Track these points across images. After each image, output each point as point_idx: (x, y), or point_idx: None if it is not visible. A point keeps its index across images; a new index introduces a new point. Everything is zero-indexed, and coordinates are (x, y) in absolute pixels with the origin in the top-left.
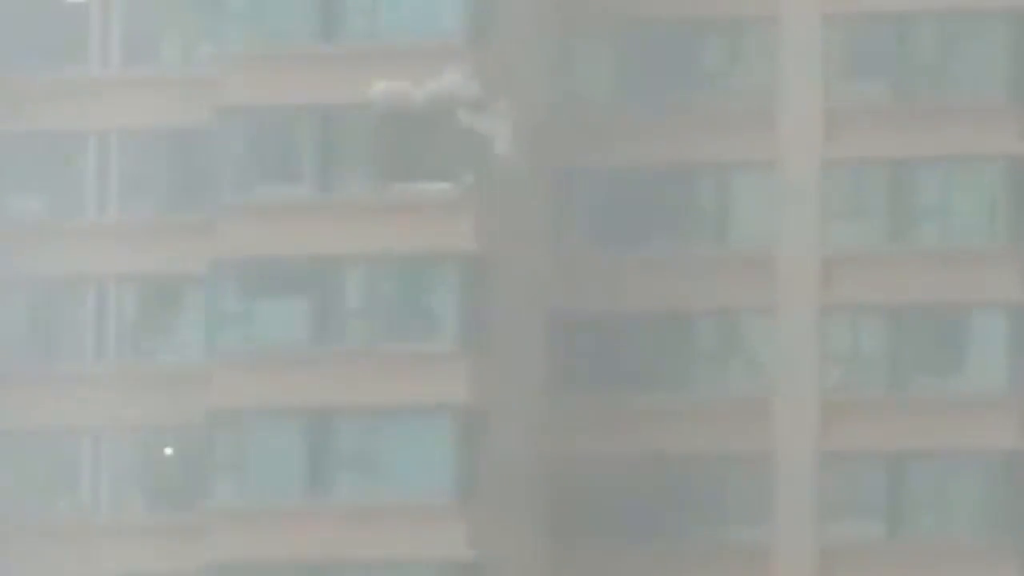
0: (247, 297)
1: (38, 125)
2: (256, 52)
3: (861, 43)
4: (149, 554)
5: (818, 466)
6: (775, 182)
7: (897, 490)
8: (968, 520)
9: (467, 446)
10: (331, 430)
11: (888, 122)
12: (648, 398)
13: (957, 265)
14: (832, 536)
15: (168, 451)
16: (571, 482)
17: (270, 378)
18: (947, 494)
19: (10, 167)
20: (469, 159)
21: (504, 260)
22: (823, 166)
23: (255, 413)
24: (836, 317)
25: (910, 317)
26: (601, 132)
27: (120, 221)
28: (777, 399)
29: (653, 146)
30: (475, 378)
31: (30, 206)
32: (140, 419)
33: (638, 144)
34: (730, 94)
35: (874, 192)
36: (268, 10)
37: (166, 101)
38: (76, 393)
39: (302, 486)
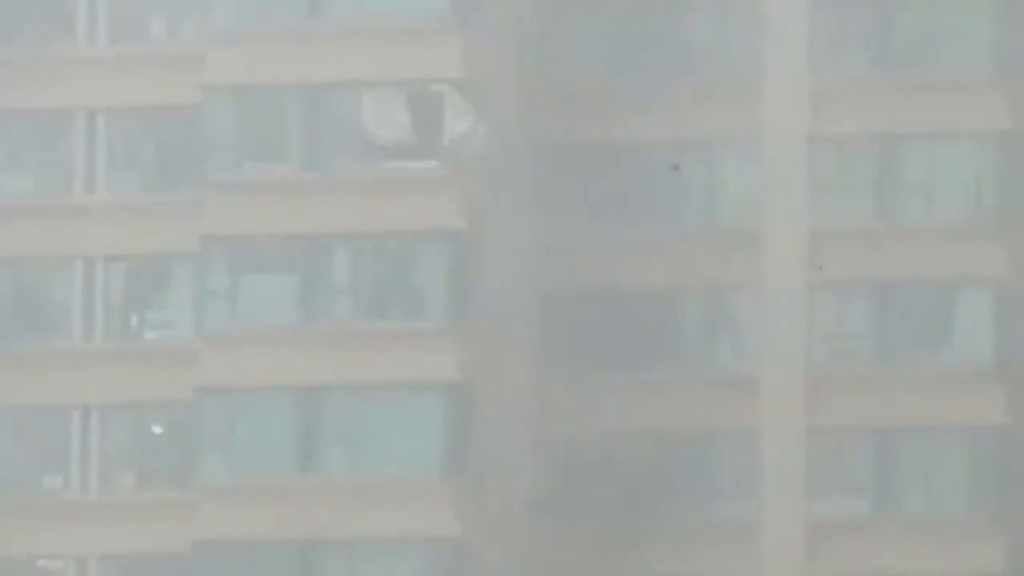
0: (235, 275)
1: (25, 102)
2: (244, 30)
3: (847, 17)
4: (138, 532)
5: (805, 442)
6: (761, 157)
7: (884, 466)
8: (955, 496)
9: (456, 423)
10: (320, 407)
11: (875, 97)
12: (635, 374)
13: (944, 241)
14: (819, 512)
15: (157, 429)
16: (559, 458)
17: (258, 355)
18: (934, 470)
19: None
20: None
21: (492, 237)
22: (809, 141)
23: (244, 390)
24: (823, 293)
25: (897, 293)
26: (588, 108)
27: (108, 199)
28: (764, 375)
29: (640, 121)
30: (463, 355)
31: (17, 184)
32: (129, 397)
33: (625, 120)
34: (716, 69)
35: (861, 167)
36: None
37: (154, 79)
38: (64, 371)
39: (291, 463)
